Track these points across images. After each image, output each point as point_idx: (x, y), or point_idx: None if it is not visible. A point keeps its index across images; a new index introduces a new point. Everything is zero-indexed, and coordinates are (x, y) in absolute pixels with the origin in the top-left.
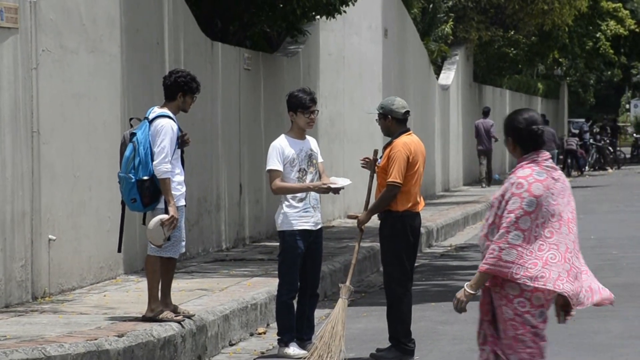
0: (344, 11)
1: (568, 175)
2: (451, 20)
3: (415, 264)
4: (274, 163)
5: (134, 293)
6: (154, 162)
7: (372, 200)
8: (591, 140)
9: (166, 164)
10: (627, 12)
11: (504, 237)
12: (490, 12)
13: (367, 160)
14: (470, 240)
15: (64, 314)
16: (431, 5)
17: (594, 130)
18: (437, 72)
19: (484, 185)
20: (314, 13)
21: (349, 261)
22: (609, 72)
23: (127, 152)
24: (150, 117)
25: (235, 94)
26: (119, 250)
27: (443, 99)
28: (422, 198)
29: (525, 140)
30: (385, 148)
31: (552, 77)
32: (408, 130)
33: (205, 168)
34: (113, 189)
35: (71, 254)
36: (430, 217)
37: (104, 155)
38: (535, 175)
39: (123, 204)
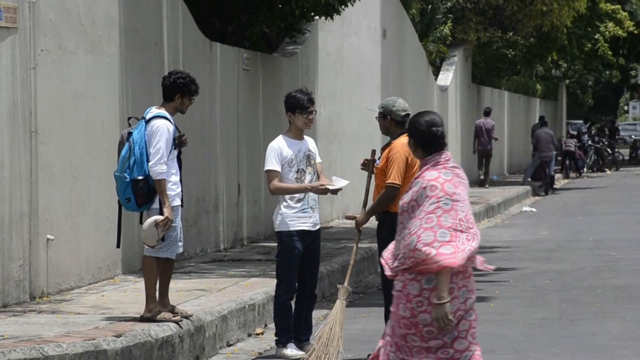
0: (343, 9)
1: (566, 176)
2: (450, 21)
3: None
4: (272, 164)
5: (132, 293)
6: (150, 163)
7: (370, 201)
8: (589, 142)
9: (161, 165)
10: (625, 13)
11: (432, 237)
12: (489, 13)
13: (365, 161)
14: None
15: (62, 314)
16: (430, 6)
17: (592, 132)
18: (436, 73)
19: (488, 186)
20: (312, 13)
21: (347, 262)
22: (608, 74)
23: (123, 152)
24: (147, 117)
25: (233, 94)
26: (118, 246)
27: (441, 100)
28: None
29: (426, 141)
30: (383, 149)
31: (551, 79)
32: (407, 131)
33: (203, 168)
34: (111, 189)
35: (69, 254)
36: None
37: (103, 155)
38: (443, 176)
39: (119, 202)
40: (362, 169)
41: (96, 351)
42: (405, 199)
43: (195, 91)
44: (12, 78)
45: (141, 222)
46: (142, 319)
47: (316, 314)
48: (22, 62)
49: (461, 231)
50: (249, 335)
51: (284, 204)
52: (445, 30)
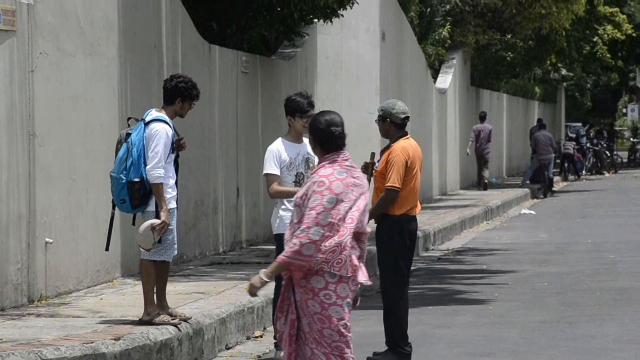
0: (342, 15)
1: (565, 179)
2: (448, 24)
3: (412, 268)
4: (270, 167)
5: (130, 296)
6: (147, 167)
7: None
8: (588, 145)
9: (159, 169)
10: (624, 16)
11: (305, 232)
12: (488, 16)
13: (365, 164)
14: (468, 244)
15: (60, 317)
16: (428, 9)
17: (591, 135)
18: (435, 76)
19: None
20: (311, 16)
21: None
22: (606, 76)
23: (120, 152)
24: (147, 119)
25: (232, 97)
26: (107, 249)
27: (440, 102)
28: (419, 202)
29: (325, 140)
30: (383, 152)
31: (550, 81)
32: (406, 134)
33: (202, 171)
34: (110, 192)
35: (68, 256)
36: (427, 221)
37: (101, 157)
38: (336, 174)
39: (113, 203)
40: (362, 172)
41: (95, 354)
42: (299, 193)
43: (196, 96)
44: (10, 81)
45: (134, 224)
46: (141, 322)
47: None
48: (21, 64)
49: (337, 231)
50: (248, 338)
51: (282, 206)
52: (444, 32)
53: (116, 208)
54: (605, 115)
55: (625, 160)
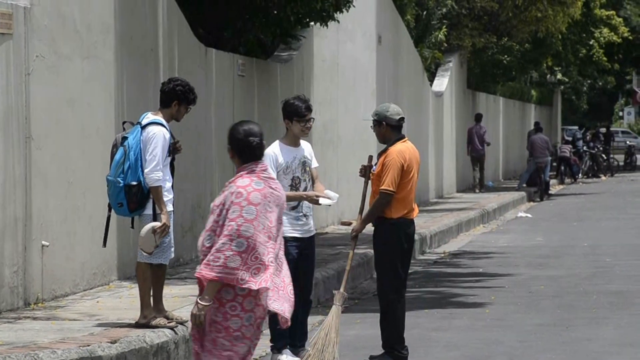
0: (338, 21)
1: (561, 182)
2: (445, 27)
3: (409, 271)
4: None
5: (126, 299)
6: (146, 171)
7: (367, 207)
8: (584, 148)
9: (158, 172)
10: (620, 19)
11: (228, 245)
12: (484, 19)
13: (362, 167)
14: (464, 248)
15: (56, 320)
16: (425, 12)
17: (587, 138)
18: (431, 79)
19: (478, 190)
20: (307, 20)
21: (343, 268)
22: (603, 80)
23: (117, 156)
24: (143, 122)
25: (229, 100)
26: (104, 245)
27: (437, 105)
28: (416, 205)
29: (243, 150)
30: (380, 155)
31: (546, 84)
32: (403, 137)
33: (198, 174)
34: (107, 195)
35: (64, 260)
36: (423, 224)
37: (98, 161)
38: (254, 185)
39: (109, 206)
40: (360, 175)
41: (91, 357)
42: (216, 201)
43: (192, 100)
44: (6, 84)
45: (133, 226)
46: (137, 325)
47: (311, 319)
48: (17, 68)
49: (263, 243)
50: None
51: None
52: (440, 36)
53: (112, 211)
54: (601, 119)
55: (621, 163)
